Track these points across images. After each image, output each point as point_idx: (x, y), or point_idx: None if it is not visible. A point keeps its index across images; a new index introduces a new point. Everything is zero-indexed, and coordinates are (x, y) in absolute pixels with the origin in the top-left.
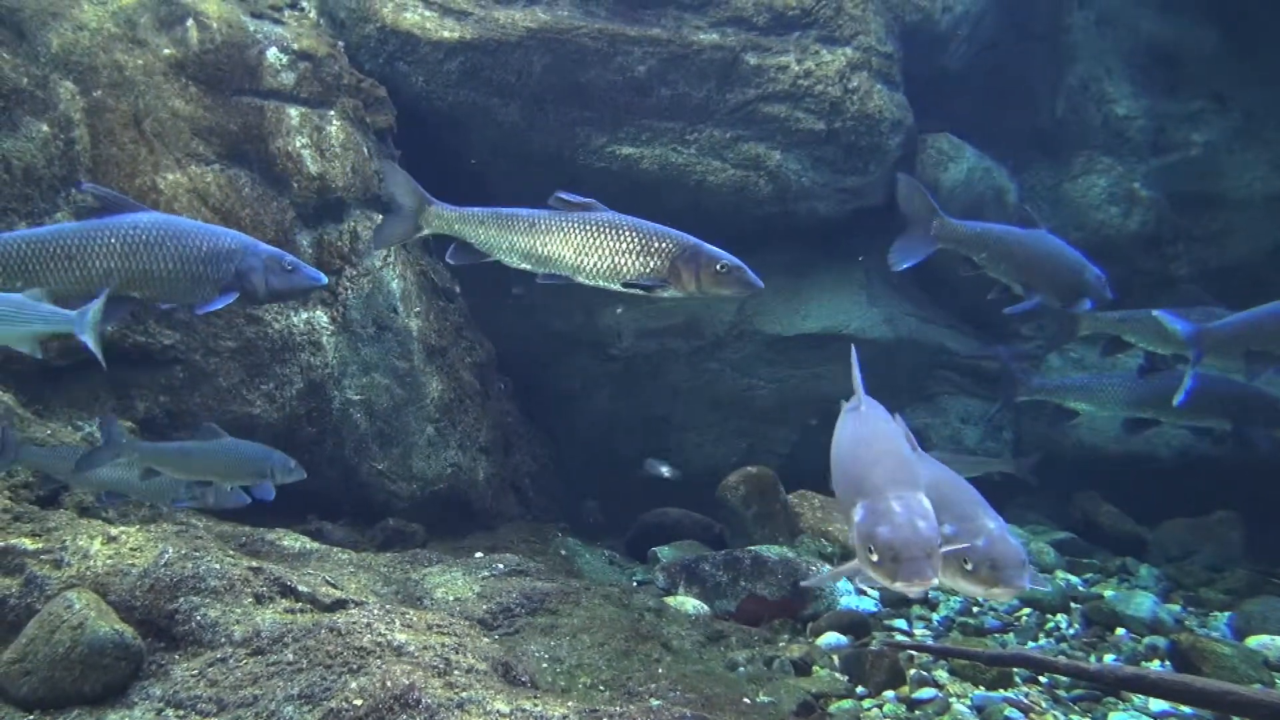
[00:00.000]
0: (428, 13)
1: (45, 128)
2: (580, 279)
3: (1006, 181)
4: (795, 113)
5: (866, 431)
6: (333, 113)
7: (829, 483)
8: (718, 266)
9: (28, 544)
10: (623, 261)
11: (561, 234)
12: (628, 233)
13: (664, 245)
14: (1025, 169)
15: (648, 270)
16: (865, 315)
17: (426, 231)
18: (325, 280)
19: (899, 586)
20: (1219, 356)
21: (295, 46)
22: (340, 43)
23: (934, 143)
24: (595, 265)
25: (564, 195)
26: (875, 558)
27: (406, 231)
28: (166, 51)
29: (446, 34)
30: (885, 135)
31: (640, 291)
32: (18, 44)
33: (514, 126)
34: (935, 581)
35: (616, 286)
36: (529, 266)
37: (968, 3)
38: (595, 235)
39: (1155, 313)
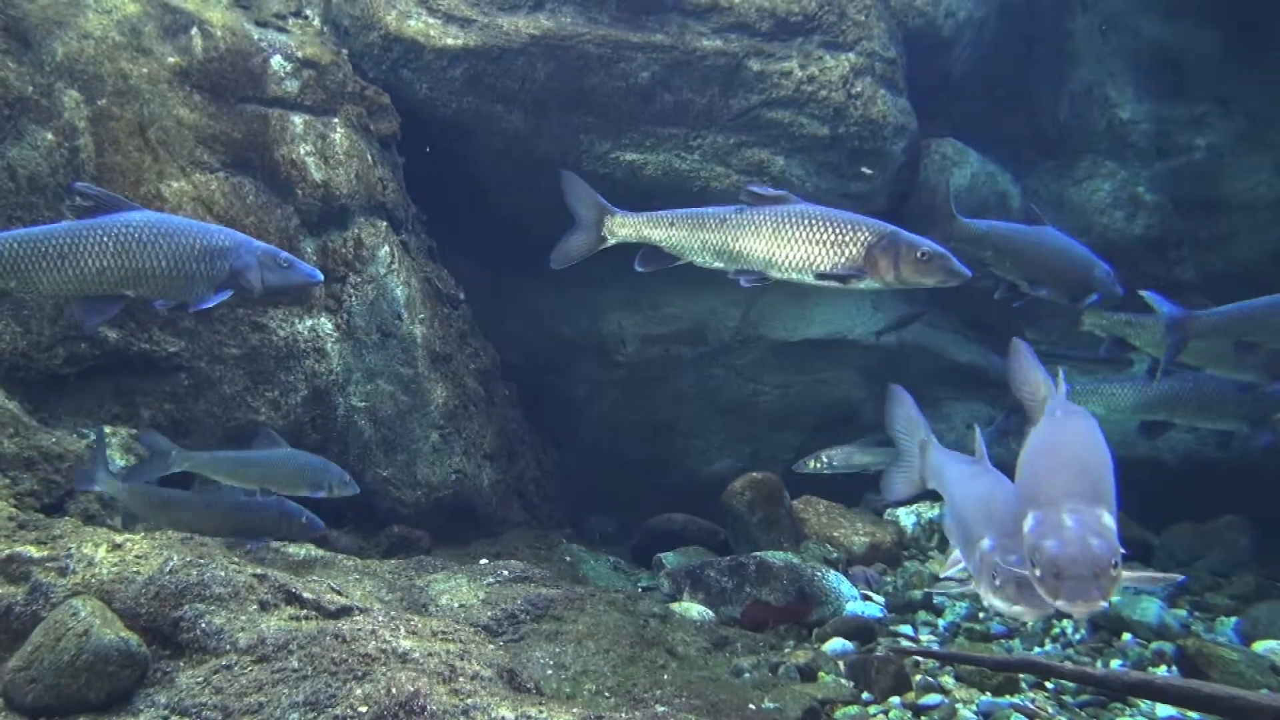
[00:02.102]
0: (431, 20)
1: (50, 136)
2: (773, 274)
3: (1010, 186)
4: (799, 118)
5: (1057, 437)
6: (337, 120)
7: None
8: (919, 254)
9: (33, 551)
10: (816, 252)
11: (753, 228)
12: (821, 222)
13: (860, 234)
14: (1029, 173)
15: (843, 260)
16: (870, 321)
17: (612, 242)
18: (321, 277)
19: (1061, 605)
20: (1205, 346)
21: (299, 54)
22: (344, 50)
23: (938, 148)
24: (788, 258)
25: (756, 189)
26: (1039, 572)
27: (591, 245)
28: (171, 60)
29: (450, 41)
30: (889, 140)
31: (836, 284)
32: (23, 52)
33: (517, 133)
34: (1103, 605)
35: (810, 279)
36: (721, 265)
37: (970, 8)
38: (788, 227)
39: (1143, 292)
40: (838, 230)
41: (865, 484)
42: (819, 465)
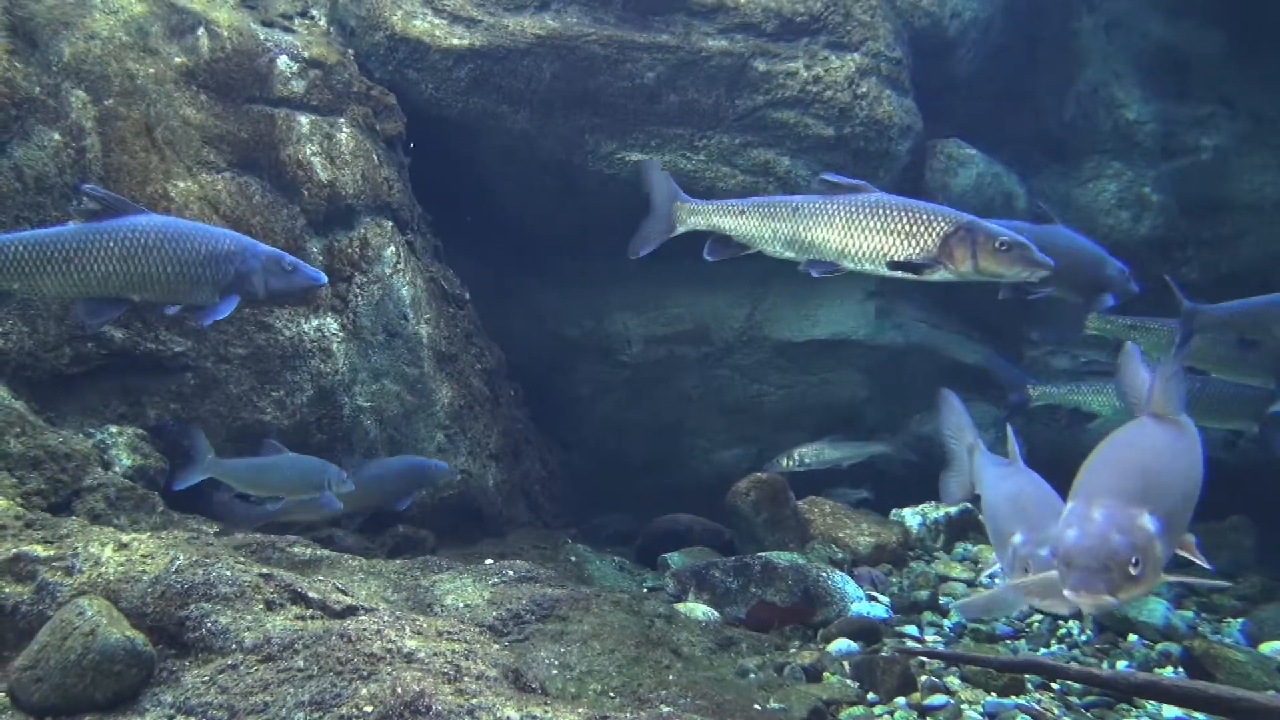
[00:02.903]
0: (437, 20)
1: (57, 136)
2: (846, 264)
3: (1016, 186)
4: (804, 119)
5: (1129, 439)
6: (343, 120)
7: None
8: (997, 243)
9: (40, 551)
10: (890, 242)
11: (825, 217)
12: (894, 211)
13: (936, 223)
14: (1035, 174)
15: (917, 250)
16: (875, 321)
17: (682, 229)
18: (325, 280)
19: (1068, 594)
20: (1208, 347)
21: (305, 54)
22: (350, 50)
23: (943, 148)
24: (860, 247)
25: (830, 177)
26: (1058, 560)
27: (663, 232)
28: (177, 60)
29: (456, 41)
30: (894, 141)
31: (910, 275)
32: (30, 53)
33: (523, 133)
34: (1110, 601)
35: (883, 270)
36: (792, 255)
37: (976, 8)
38: (860, 216)
39: (1166, 275)
40: (912, 219)
41: (832, 480)
42: (791, 463)
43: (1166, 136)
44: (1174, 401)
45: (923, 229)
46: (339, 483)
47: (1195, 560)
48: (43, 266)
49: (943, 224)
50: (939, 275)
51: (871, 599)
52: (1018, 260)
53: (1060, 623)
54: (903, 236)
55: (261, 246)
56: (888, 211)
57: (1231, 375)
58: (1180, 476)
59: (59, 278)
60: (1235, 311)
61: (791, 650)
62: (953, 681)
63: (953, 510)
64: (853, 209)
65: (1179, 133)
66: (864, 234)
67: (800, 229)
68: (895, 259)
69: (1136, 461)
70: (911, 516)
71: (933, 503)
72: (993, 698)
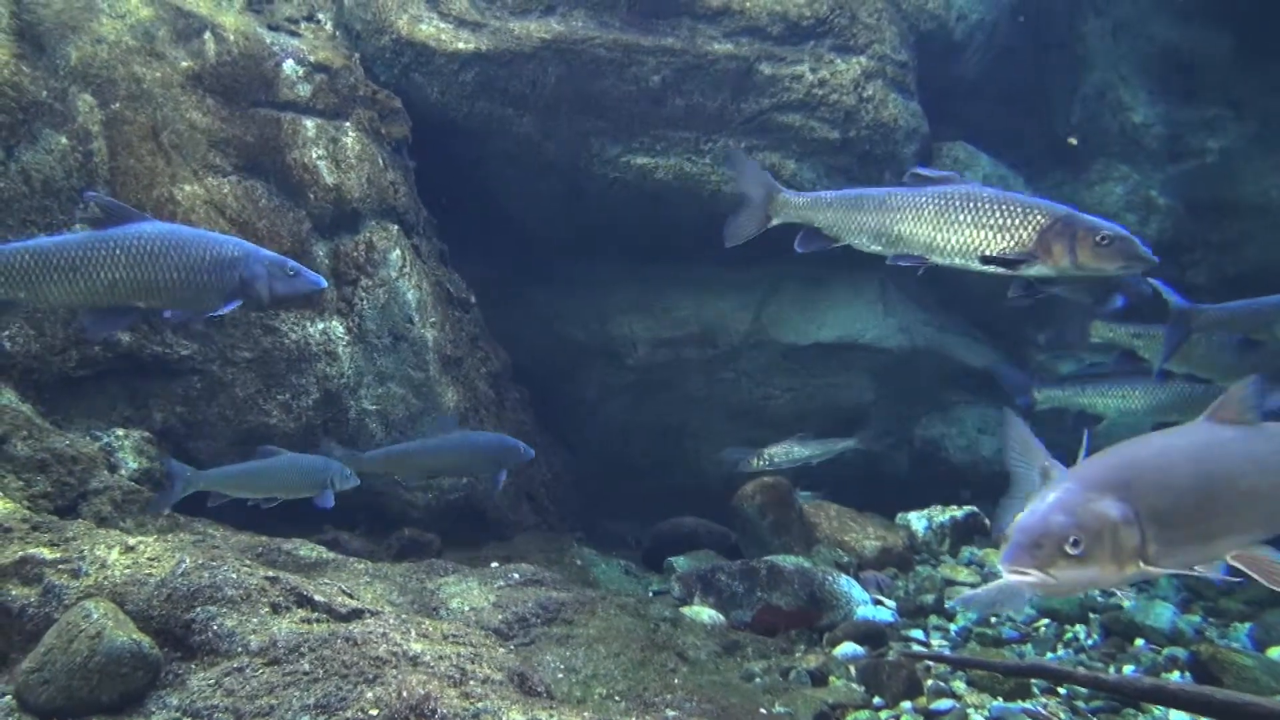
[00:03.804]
0: (443, 24)
1: (64, 140)
2: (935, 258)
3: (1023, 189)
4: (810, 122)
5: (1153, 435)
6: (348, 124)
7: None
8: (1098, 238)
9: (46, 553)
10: (982, 236)
11: (914, 210)
12: (987, 204)
13: (1032, 216)
14: (1041, 177)
15: (1012, 244)
16: (881, 324)
17: (776, 221)
18: (325, 284)
19: (1000, 570)
20: (1208, 353)
21: (312, 59)
22: (356, 54)
23: (949, 151)
24: (951, 241)
25: (921, 170)
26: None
27: (758, 223)
28: (184, 64)
29: (461, 45)
30: (900, 144)
31: (1002, 270)
32: (37, 57)
33: (528, 137)
34: (1037, 575)
35: (975, 265)
36: (879, 248)
37: (982, 11)
38: (951, 209)
39: (1153, 281)
40: (1007, 212)
41: (796, 479)
42: (761, 463)
43: (1173, 139)
44: (1241, 406)
45: (1018, 223)
46: (342, 480)
47: (1260, 582)
48: (48, 275)
49: (1040, 217)
50: (1035, 271)
51: (877, 603)
52: (1119, 255)
53: (1066, 627)
54: (997, 230)
55: (264, 252)
56: (981, 204)
57: (1233, 379)
58: (1203, 476)
59: (65, 286)
60: (1235, 311)
61: (797, 654)
62: (959, 686)
63: (959, 514)
64: (944, 202)
65: (1185, 135)
66: (956, 228)
67: (887, 223)
68: (988, 255)
69: (1132, 454)
70: (917, 520)
71: (938, 506)
72: (999, 702)
